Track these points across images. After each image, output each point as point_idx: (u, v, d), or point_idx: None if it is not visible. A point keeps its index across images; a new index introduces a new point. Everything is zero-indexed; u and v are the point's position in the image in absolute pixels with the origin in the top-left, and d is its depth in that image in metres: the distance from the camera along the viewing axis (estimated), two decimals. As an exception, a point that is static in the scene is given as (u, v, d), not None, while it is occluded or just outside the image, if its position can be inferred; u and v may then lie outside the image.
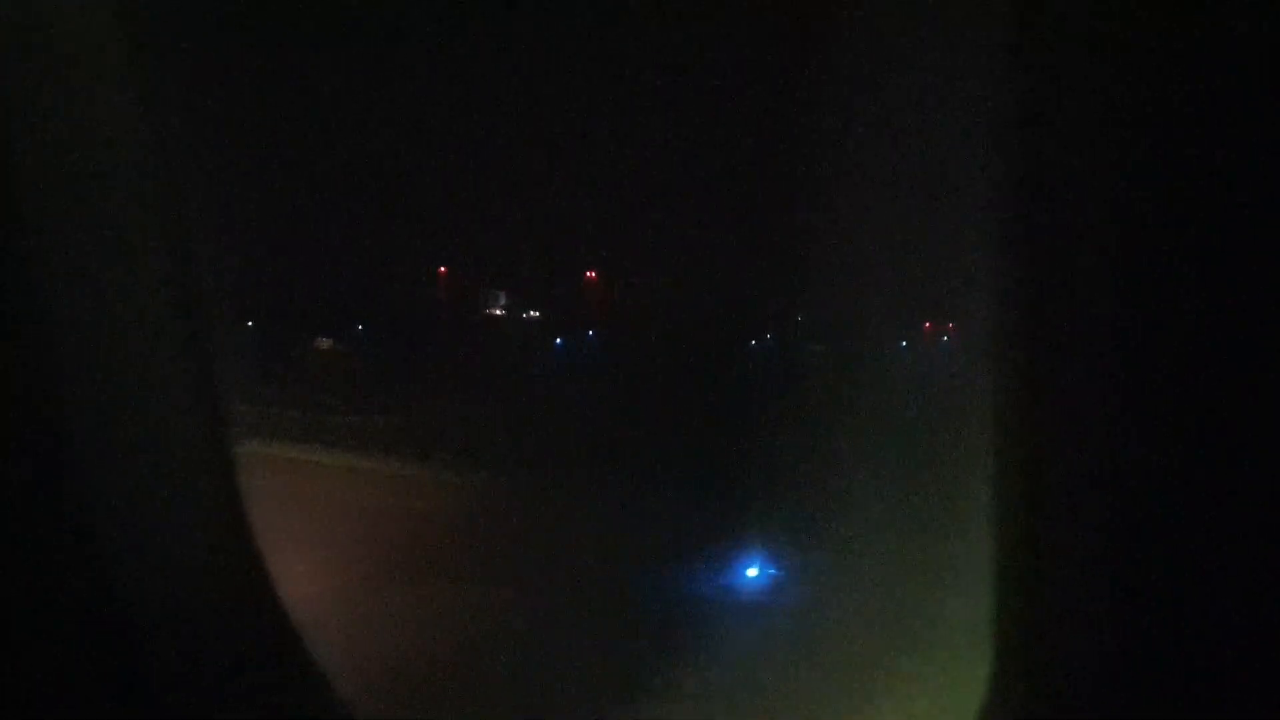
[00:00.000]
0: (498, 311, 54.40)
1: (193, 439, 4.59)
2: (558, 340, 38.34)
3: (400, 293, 46.73)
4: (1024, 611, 3.72)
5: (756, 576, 11.26)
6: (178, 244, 4.69)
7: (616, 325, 41.55)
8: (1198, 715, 3.29)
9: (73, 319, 3.98)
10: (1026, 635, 3.74)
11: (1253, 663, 3.26)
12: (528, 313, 54.03)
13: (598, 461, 13.81)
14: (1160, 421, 3.35)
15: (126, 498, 4.19)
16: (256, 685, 4.59)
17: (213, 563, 4.48)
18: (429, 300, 50.45)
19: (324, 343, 34.20)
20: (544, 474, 13.63)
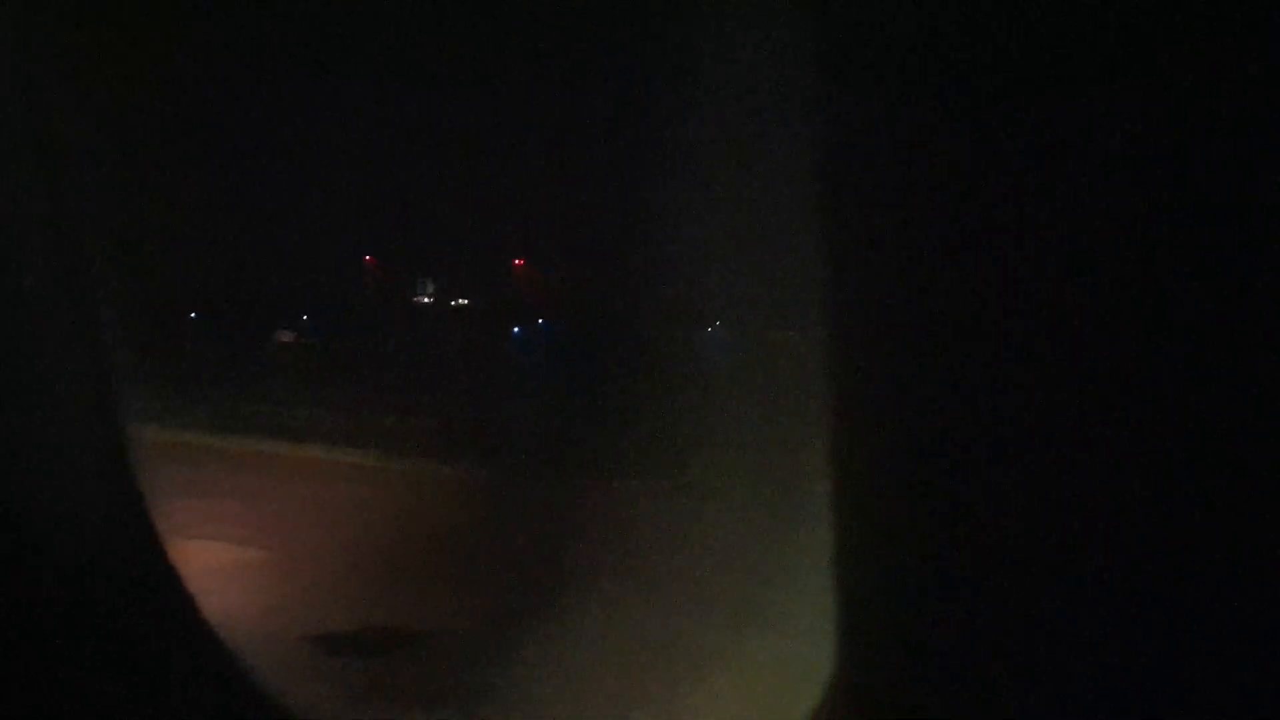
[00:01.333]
0: (426, 299, 53.35)
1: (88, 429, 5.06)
2: (515, 329, 37.44)
3: (330, 282, 45.50)
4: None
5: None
6: (72, 241, 5.11)
7: (550, 313, 40.92)
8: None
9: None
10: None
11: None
12: (456, 300, 53.11)
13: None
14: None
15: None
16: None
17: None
18: (359, 289, 49.22)
19: (285, 335, 32.91)
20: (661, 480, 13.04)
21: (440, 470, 14.73)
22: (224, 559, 9.81)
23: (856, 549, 4.49)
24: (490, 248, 46.74)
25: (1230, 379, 3.51)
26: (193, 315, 33.64)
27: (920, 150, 3.94)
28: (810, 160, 4.89)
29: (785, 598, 6.67)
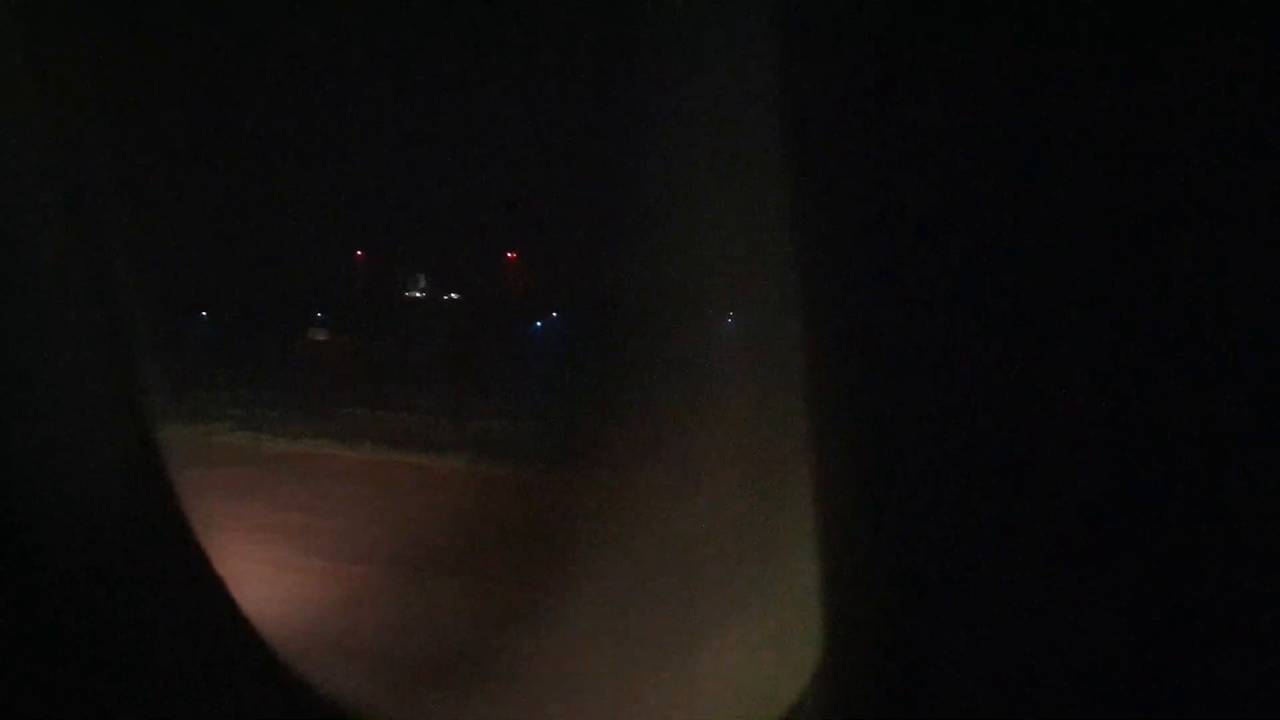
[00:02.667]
0: (418, 294, 51.92)
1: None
2: (537, 324, 36.35)
3: (321, 278, 44.01)
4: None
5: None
6: (96, 244, 5.30)
7: (557, 307, 39.97)
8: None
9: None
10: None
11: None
12: (448, 295, 51.80)
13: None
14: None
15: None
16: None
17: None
18: (350, 284, 47.68)
19: (319, 333, 31.61)
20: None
21: (596, 480, 13.84)
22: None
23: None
24: (481, 241, 45.47)
25: (1216, 375, 3.60)
26: (203, 314, 32.17)
27: (925, 136, 3.99)
28: (813, 144, 4.86)
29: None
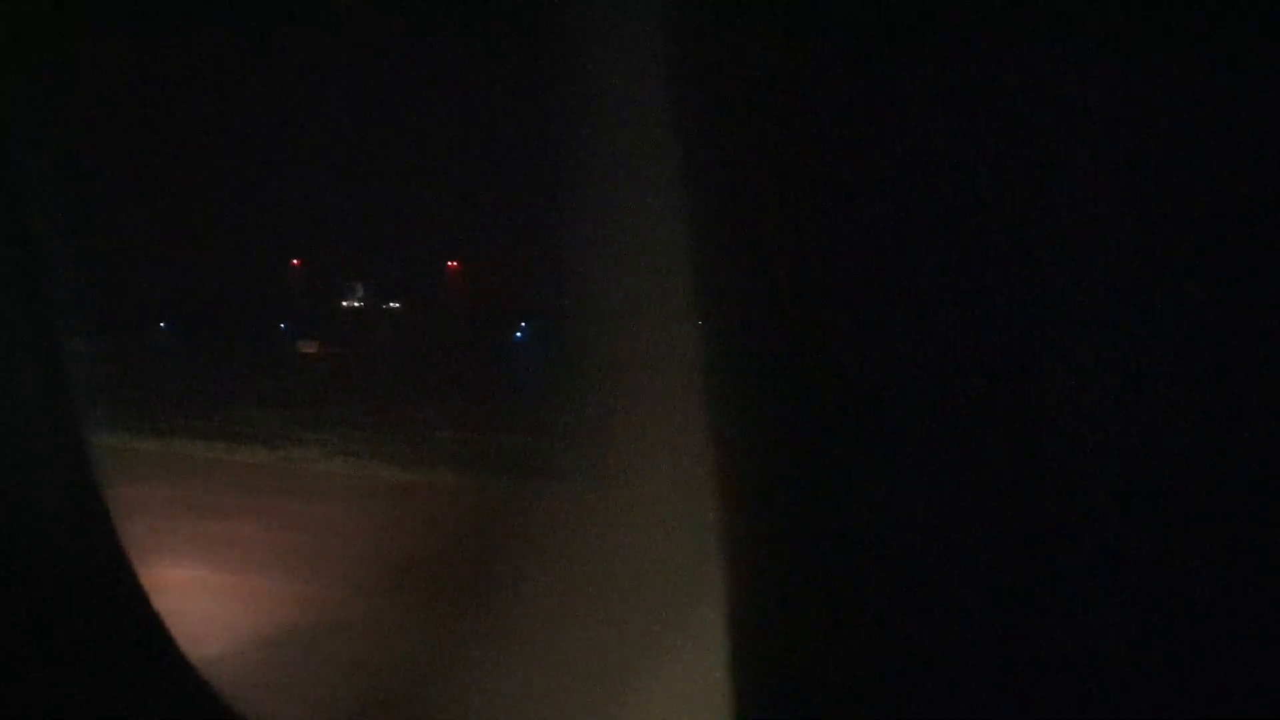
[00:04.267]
0: (356, 303, 49.55)
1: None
2: (518, 334, 34.47)
3: (257, 286, 41.55)
4: None
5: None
6: (28, 249, 5.14)
7: (497, 315, 38.36)
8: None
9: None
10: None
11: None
12: (387, 304, 49.76)
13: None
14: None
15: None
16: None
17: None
18: (286, 293, 45.25)
19: (308, 345, 29.54)
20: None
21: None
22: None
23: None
24: (419, 249, 44.00)
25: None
26: (161, 325, 29.56)
27: (881, 141, 3.90)
28: (771, 148, 4.74)
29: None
